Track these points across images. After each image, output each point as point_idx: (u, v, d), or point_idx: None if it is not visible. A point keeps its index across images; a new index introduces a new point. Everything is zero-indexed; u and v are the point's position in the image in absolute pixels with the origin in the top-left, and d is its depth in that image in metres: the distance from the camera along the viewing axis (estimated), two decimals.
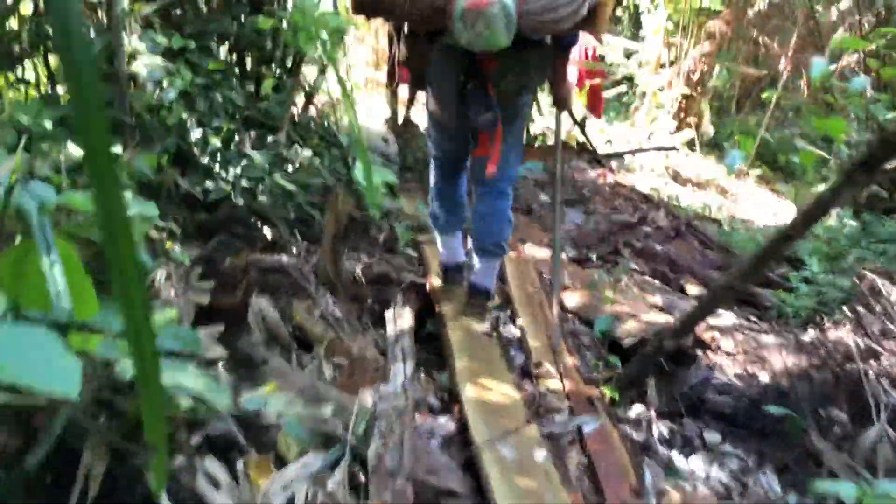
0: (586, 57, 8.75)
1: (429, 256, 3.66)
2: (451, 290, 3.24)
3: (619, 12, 12.15)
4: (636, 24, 11.16)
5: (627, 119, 10.03)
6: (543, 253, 4.20)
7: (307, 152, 3.34)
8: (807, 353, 3.10)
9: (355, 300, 2.88)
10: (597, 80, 8.55)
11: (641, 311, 3.45)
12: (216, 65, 3.39)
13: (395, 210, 4.18)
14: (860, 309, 3.29)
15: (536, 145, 6.68)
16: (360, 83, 10.41)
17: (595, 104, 9.16)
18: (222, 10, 3.61)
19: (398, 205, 4.30)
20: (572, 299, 3.61)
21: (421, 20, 2.59)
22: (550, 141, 7.00)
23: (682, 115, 9.69)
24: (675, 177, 8.93)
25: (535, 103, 4.69)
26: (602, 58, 8.82)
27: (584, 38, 8.88)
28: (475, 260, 3.12)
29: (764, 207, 8.84)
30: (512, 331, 3.02)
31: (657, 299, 3.84)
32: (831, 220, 4.95)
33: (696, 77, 9.36)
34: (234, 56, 3.58)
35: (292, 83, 3.60)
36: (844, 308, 3.40)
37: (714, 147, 10.41)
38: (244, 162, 3.04)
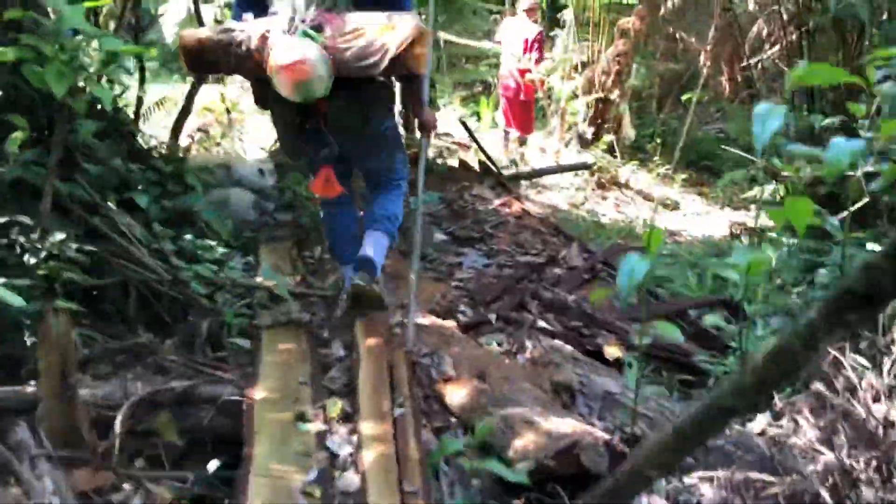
0: (528, 49, 7.96)
1: (263, 352, 2.76)
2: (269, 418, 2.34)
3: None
4: (551, 22, 10.45)
5: (543, 128, 9.29)
6: (429, 322, 3.34)
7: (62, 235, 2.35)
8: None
9: (111, 468, 1.93)
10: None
11: (542, 412, 2.60)
12: None
13: (230, 280, 3.25)
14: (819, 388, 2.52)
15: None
16: (238, 104, 9.43)
17: (526, 120, 8.42)
18: None
19: (233, 272, 3.37)
20: (457, 395, 2.74)
21: (247, 75, 3.04)
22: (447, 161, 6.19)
23: (600, 120, 8.99)
24: (597, 185, 8.23)
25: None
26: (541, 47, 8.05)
27: (525, 31, 8.17)
28: (365, 238, 3.22)
29: (693, 216, 8.22)
30: (347, 481, 2.10)
31: (568, 376, 3.02)
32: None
33: (611, 78, 8.67)
34: None
35: (58, 133, 2.61)
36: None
37: (637, 150, 9.77)
38: None
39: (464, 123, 6.09)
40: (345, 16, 2.76)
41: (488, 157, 5.86)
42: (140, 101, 5.41)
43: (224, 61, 2.78)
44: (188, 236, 3.60)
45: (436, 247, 4.64)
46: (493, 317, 3.64)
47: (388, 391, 2.60)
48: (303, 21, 2.71)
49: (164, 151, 6.02)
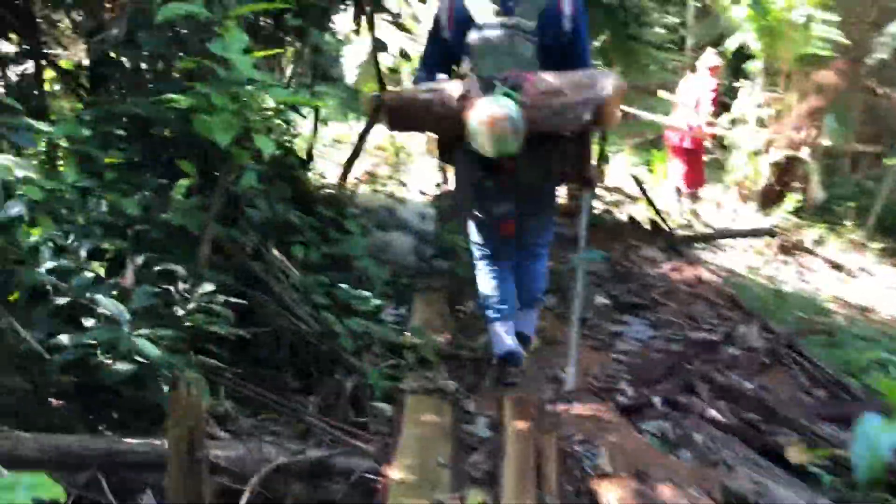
0: (700, 105, 7.57)
1: (404, 422, 2.59)
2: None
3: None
4: (735, 72, 9.86)
5: (717, 181, 8.70)
6: (584, 402, 3.06)
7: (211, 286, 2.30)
8: None
9: None
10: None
11: None
12: (113, 158, 2.47)
13: (378, 339, 3.13)
14: None
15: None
16: (406, 145, 9.53)
17: (694, 174, 7.94)
18: (139, 86, 2.71)
19: (383, 328, 3.25)
20: (612, 495, 2.43)
21: (444, 133, 3.08)
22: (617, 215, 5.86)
23: (786, 178, 8.28)
24: (779, 249, 7.53)
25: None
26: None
27: (702, 86, 7.80)
28: (519, 317, 3.36)
29: (889, 290, 7.31)
30: None
31: (742, 483, 2.62)
32: None
33: (802, 134, 7.97)
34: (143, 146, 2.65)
35: (221, 181, 2.61)
36: None
37: (825, 212, 8.91)
38: (109, 309, 2.06)
39: (635, 178, 5.76)
40: (539, 74, 2.82)
41: (659, 214, 5.48)
42: (311, 146, 5.53)
43: (424, 120, 3.01)
44: (344, 285, 3.55)
45: (596, 311, 4.33)
46: (656, 400, 3.27)
47: (533, 484, 2.34)
48: (502, 80, 2.79)
49: (332, 191, 6.17)
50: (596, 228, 5.77)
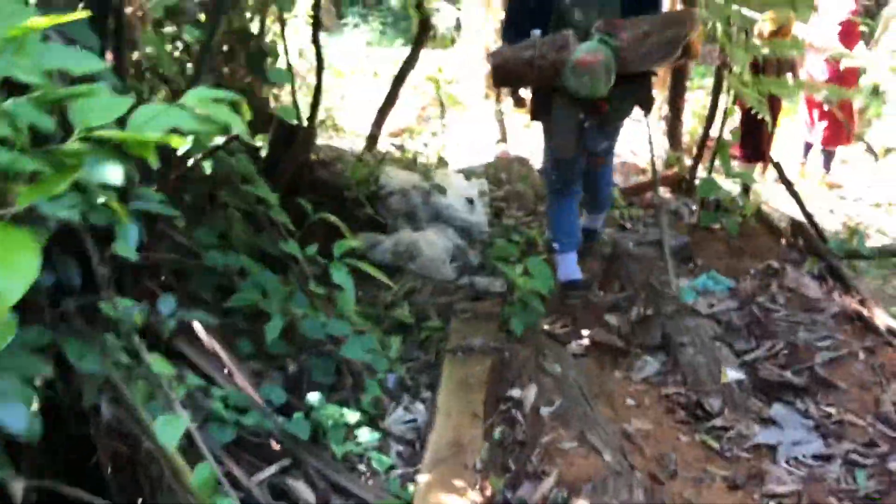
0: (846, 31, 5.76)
1: None
2: None
3: None
4: None
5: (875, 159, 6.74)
6: None
7: None
8: None
9: None
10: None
11: None
12: None
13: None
14: None
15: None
16: (458, 95, 7.81)
17: (839, 128, 6.08)
18: None
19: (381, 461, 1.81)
20: None
21: (546, 83, 3.24)
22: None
23: None
24: None
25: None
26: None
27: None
28: (586, 216, 4.05)
29: None
30: None
31: None
32: None
33: None
34: None
35: None
36: None
37: None
38: None
39: (775, 163, 4.01)
40: (629, 19, 3.14)
41: (809, 217, 3.77)
42: (316, 101, 4.02)
43: (528, 75, 3.18)
44: (315, 400, 2.11)
45: (725, 395, 2.76)
46: None
47: None
48: (596, 29, 3.09)
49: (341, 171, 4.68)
50: (709, 234, 4.13)
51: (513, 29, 3.31)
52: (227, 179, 2.79)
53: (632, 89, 3.26)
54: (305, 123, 3.99)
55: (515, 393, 2.64)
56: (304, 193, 4.19)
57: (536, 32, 3.17)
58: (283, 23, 4.15)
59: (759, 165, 5.48)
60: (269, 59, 3.82)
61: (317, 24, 4.33)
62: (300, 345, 2.46)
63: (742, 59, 3.69)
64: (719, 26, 4.22)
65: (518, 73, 3.23)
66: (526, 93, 3.60)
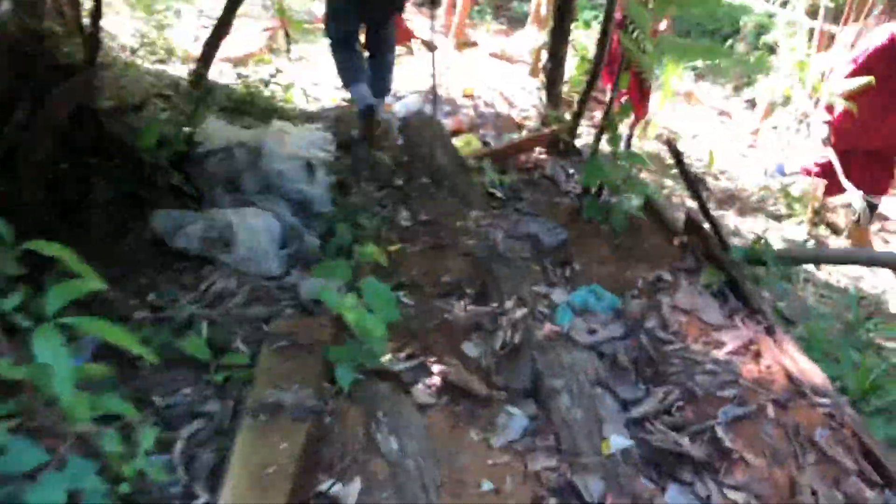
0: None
1: None
2: None
3: None
4: None
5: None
6: None
7: None
8: None
9: None
10: None
11: None
12: None
13: None
14: None
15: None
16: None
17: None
18: None
19: None
20: None
21: None
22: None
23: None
24: None
25: None
26: None
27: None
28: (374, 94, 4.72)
29: None
30: None
31: None
32: None
33: None
34: None
35: None
36: None
37: None
38: None
39: (668, 142, 3.37)
40: None
41: (699, 197, 3.19)
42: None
43: None
44: None
45: (608, 472, 2.15)
46: None
47: None
48: None
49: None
50: (591, 227, 3.49)
51: None
52: None
53: None
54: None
55: (333, 490, 1.90)
56: (85, 157, 3.21)
57: None
58: None
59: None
60: None
61: None
62: None
63: (644, 19, 2.99)
64: None
65: None
66: None
